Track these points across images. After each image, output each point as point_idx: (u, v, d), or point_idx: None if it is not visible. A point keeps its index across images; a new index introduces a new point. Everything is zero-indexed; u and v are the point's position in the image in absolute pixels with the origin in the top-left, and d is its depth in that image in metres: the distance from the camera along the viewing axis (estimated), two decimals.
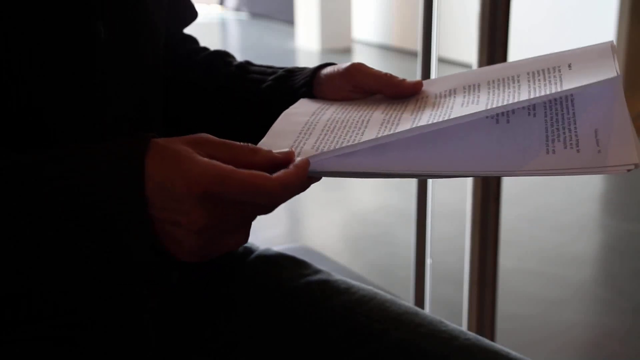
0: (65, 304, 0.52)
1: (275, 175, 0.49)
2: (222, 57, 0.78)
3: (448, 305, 1.86)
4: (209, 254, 0.50)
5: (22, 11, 0.52)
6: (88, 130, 0.56)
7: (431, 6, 1.31)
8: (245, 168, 0.49)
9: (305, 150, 0.56)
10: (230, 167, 0.48)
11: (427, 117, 0.59)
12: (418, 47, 1.35)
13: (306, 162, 0.52)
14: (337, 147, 0.56)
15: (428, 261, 1.47)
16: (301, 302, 0.71)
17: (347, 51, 5.66)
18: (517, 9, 1.41)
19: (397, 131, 0.57)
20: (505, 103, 0.57)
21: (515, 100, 0.57)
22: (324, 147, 0.57)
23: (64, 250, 0.47)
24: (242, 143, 0.51)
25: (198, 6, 0.81)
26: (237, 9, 7.66)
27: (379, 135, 0.57)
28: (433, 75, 1.33)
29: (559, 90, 0.56)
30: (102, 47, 0.56)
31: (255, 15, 7.37)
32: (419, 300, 1.50)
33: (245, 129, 0.73)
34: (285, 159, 0.52)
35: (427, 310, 1.52)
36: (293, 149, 0.56)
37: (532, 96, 0.57)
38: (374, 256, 2.33)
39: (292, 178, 0.50)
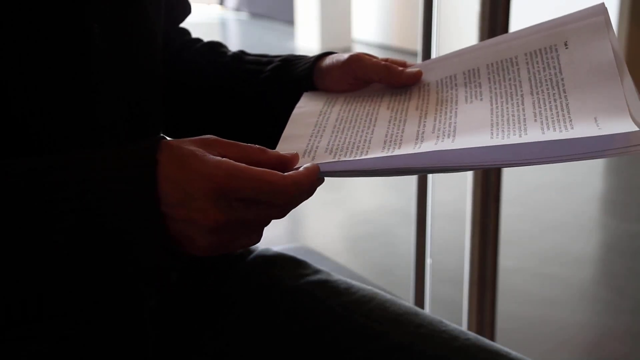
0: (66, 304, 0.52)
1: (287, 174, 0.50)
2: (216, 48, 0.78)
3: (448, 305, 1.86)
4: (221, 251, 0.51)
5: (16, 11, 0.52)
6: (83, 133, 0.56)
7: (431, 6, 1.31)
8: (255, 166, 0.50)
9: (319, 153, 0.58)
10: (242, 164, 0.49)
11: (432, 117, 0.61)
12: (418, 47, 1.35)
13: (316, 166, 0.53)
14: (349, 155, 0.57)
15: (428, 261, 1.47)
16: (301, 302, 0.71)
17: (347, 51, 5.66)
18: (517, 9, 1.41)
19: (405, 130, 0.59)
20: (507, 95, 0.59)
21: (517, 92, 0.59)
22: (336, 148, 0.58)
23: (73, 251, 0.47)
24: (250, 144, 0.52)
25: (198, 6, 0.81)
26: (237, 9, 7.66)
27: (388, 134, 0.59)
28: None
29: (557, 74, 0.58)
30: (97, 49, 0.56)
31: (255, 15, 7.37)
32: (419, 300, 1.50)
33: (245, 123, 0.73)
34: (293, 159, 0.54)
35: (427, 310, 1.52)
36: (307, 152, 0.58)
37: (532, 84, 0.58)
38: (374, 256, 2.33)
39: (302, 177, 0.51)
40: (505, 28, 1.22)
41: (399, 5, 5.58)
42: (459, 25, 4.39)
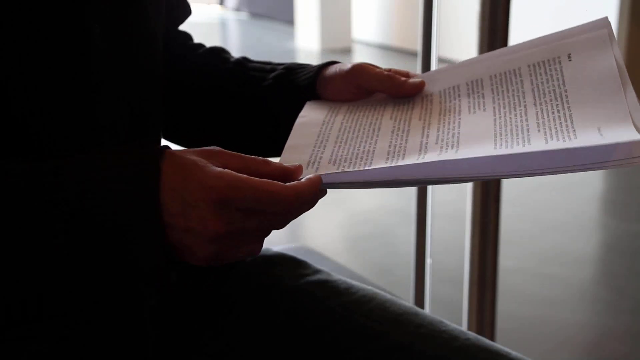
0: (66, 304, 0.52)
1: (288, 184, 0.50)
2: (218, 54, 0.78)
3: (448, 305, 1.86)
4: (221, 261, 0.51)
5: (16, 12, 0.52)
6: (83, 133, 0.56)
7: (431, 6, 1.31)
8: (257, 177, 0.50)
9: (322, 164, 0.58)
10: (244, 175, 0.49)
11: (435, 127, 0.61)
12: (418, 47, 1.35)
13: (318, 178, 0.53)
14: (352, 166, 0.57)
15: (428, 261, 1.47)
16: (301, 302, 0.71)
17: (347, 51, 5.66)
18: (517, 9, 1.40)
19: (408, 140, 0.59)
20: (510, 106, 0.58)
21: (521, 103, 0.59)
22: (340, 159, 0.58)
23: (74, 252, 0.47)
24: (253, 156, 0.52)
25: (198, 6, 0.81)
26: (237, 9, 7.66)
27: (392, 144, 0.59)
28: None
29: (560, 85, 0.58)
30: (97, 49, 0.56)
31: (255, 15, 7.37)
32: (419, 300, 1.50)
33: (246, 128, 0.73)
34: (296, 170, 0.54)
35: (427, 310, 1.51)
36: (310, 163, 0.58)
37: (535, 95, 0.58)
38: (374, 256, 2.33)
39: (304, 188, 0.51)
40: (505, 28, 1.22)
41: (399, 5, 5.58)
42: (459, 25, 4.39)
